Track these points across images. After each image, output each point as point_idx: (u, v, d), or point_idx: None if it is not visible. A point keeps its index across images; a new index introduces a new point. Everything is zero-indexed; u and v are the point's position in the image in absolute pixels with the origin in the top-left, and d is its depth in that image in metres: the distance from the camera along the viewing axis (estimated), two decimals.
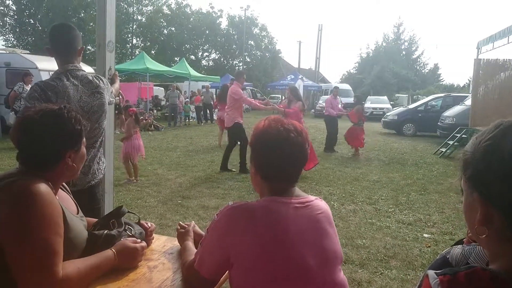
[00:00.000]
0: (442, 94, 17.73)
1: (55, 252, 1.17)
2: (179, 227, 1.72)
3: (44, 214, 1.18)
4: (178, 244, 1.66)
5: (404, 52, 48.52)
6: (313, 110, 25.52)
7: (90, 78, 2.30)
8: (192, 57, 40.06)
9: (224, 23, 41.57)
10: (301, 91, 17.89)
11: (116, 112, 9.39)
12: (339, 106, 11.04)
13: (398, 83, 41.62)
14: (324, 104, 11.52)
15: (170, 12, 39.08)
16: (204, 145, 10.96)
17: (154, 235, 1.73)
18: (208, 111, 18.37)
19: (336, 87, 11.46)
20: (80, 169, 1.43)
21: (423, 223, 4.69)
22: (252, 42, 41.39)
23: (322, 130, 12.13)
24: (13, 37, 34.33)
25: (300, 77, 25.51)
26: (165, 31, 39.35)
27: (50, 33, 2.29)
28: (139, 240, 1.51)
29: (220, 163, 7.37)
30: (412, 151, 10.84)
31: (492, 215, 0.65)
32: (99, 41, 2.97)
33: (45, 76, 8.21)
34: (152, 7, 39.24)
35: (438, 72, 49.83)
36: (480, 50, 12.10)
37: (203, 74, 26.29)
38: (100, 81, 2.35)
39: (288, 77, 27.78)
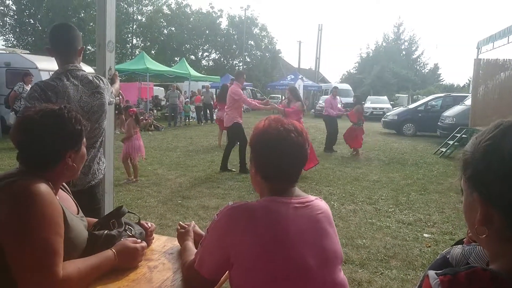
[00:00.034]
0: (442, 94, 17.72)
1: (55, 252, 1.17)
2: (179, 227, 1.72)
3: (45, 214, 1.18)
4: (178, 244, 1.66)
5: (404, 52, 48.51)
6: (313, 110, 25.54)
7: (90, 78, 2.30)
8: (192, 57, 40.06)
9: (224, 23, 41.62)
10: (301, 91, 17.91)
11: (116, 112, 9.39)
12: (339, 106, 11.04)
13: (398, 83, 41.61)
14: (324, 104, 11.52)
15: (170, 12, 39.08)
16: (204, 145, 10.96)
17: (154, 235, 1.73)
18: (208, 111, 18.38)
19: (335, 87, 11.45)
20: (80, 169, 1.43)
21: (423, 223, 4.69)
22: (252, 42, 41.40)
23: (322, 130, 12.13)
24: (13, 37, 34.36)
25: (300, 77, 25.49)
26: (165, 31, 39.36)
27: (50, 33, 2.29)
28: (139, 240, 1.51)
29: (220, 163, 7.38)
30: (412, 151, 10.84)
31: (492, 215, 0.65)
32: (99, 41, 2.97)
33: (45, 76, 8.20)
34: (152, 7, 39.25)
35: (438, 72, 49.84)
36: (480, 50, 12.11)
37: (203, 74, 26.28)
38: (100, 81, 2.35)
39: (288, 77, 27.78)
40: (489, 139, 0.66)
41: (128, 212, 1.63)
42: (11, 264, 1.14)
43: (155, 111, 19.44)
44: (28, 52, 14.22)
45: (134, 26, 37.98)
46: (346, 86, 28.60)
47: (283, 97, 22.62)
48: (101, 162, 2.41)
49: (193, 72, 19.62)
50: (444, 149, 10.15)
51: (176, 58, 35.17)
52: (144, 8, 39.11)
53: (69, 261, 1.24)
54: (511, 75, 9.69)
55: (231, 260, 1.20)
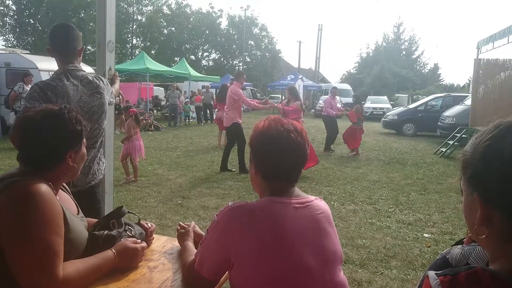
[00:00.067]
0: (442, 94, 17.71)
1: (56, 253, 1.17)
2: (179, 228, 1.72)
3: (45, 215, 1.17)
4: (178, 244, 1.66)
5: (404, 52, 48.55)
6: (313, 110, 25.54)
7: (90, 78, 2.29)
8: (192, 57, 40.10)
9: (224, 23, 41.69)
10: (301, 91, 17.93)
11: (116, 112, 9.39)
12: (339, 105, 11.03)
13: (398, 83, 41.62)
14: (323, 104, 11.53)
15: (170, 12, 39.13)
16: (204, 145, 10.96)
17: (154, 235, 1.73)
18: (208, 111, 18.38)
19: (334, 87, 11.45)
20: (80, 169, 1.43)
21: (423, 223, 4.69)
22: (252, 42, 41.44)
23: (322, 130, 12.13)
24: (13, 37, 34.39)
25: (300, 77, 25.50)
26: (165, 31, 39.39)
27: (50, 33, 2.29)
28: (139, 241, 1.51)
29: (220, 163, 7.38)
30: (412, 151, 10.84)
31: (492, 216, 0.65)
32: (99, 41, 2.97)
33: (45, 76, 8.21)
34: (152, 7, 39.29)
35: (438, 72, 49.88)
36: (480, 50, 12.11)
37: (203, 74, 26.31)
38: (100, 81, 2.35)
39: (288, 77, 27.79)
40: (489, 140, 0.66)
41: (128, 212, 1.63)
42: (12, 265, 1.14)
43: (155, 111, 19.44)
44: (28, 52, 14.23)
45: (134, 26, 38.02)
46: (346, 86, 28.57)
47: (283, 97, 22.63)
48: (101, 162, 2.41)
49: (193, 72, 19.63)
50: (444, 149, 10.15)
51: (176, 58, 35.22)
52: (144, 8, 39.17)
53: (69, 261, 1.24)
54: (511, 75, 9.69)
55: (231, 260, 1.20)
